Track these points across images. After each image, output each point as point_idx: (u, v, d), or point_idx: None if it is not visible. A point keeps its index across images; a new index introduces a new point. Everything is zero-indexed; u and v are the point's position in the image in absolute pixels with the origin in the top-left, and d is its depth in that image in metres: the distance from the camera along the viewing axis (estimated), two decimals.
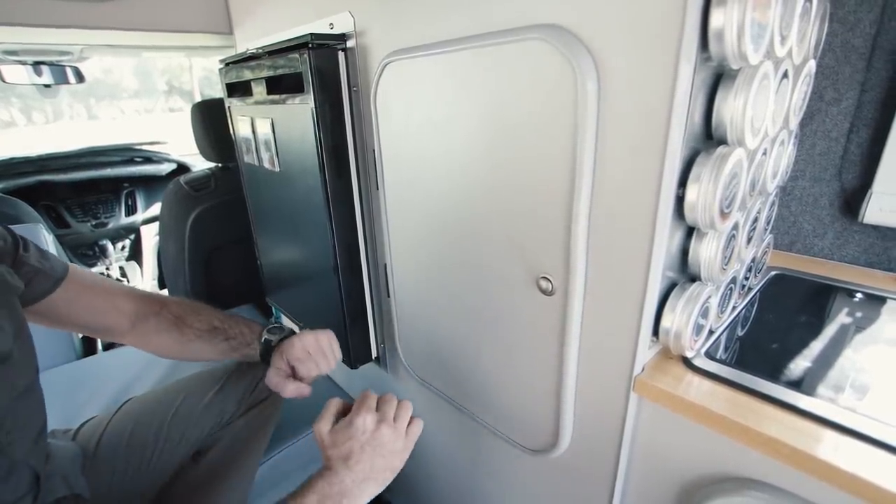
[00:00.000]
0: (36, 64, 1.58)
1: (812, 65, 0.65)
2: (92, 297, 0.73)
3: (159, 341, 0.78)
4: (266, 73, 0.90)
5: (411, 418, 0.64)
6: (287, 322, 1.51)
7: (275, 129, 0.96)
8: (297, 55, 0.78)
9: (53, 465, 0.69)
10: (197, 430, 0.84)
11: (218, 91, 1.20)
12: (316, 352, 0.77)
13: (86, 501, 0.70)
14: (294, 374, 0.77)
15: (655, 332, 0.56)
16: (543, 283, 0.58)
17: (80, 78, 1.73)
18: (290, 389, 0.75)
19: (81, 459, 0.76)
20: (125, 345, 0.79)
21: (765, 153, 0.59)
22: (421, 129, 0.68)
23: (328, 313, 1.00)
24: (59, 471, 0.69)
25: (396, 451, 0.60)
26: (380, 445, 0.59)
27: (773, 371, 0.56)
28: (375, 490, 0.59)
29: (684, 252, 0.55)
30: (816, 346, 0.62)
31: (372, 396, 0.63)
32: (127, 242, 2.57)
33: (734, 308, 0.70)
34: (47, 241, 1.49)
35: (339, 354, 0.80)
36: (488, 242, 0.65)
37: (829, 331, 0.66)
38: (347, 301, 0.94)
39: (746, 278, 0.72)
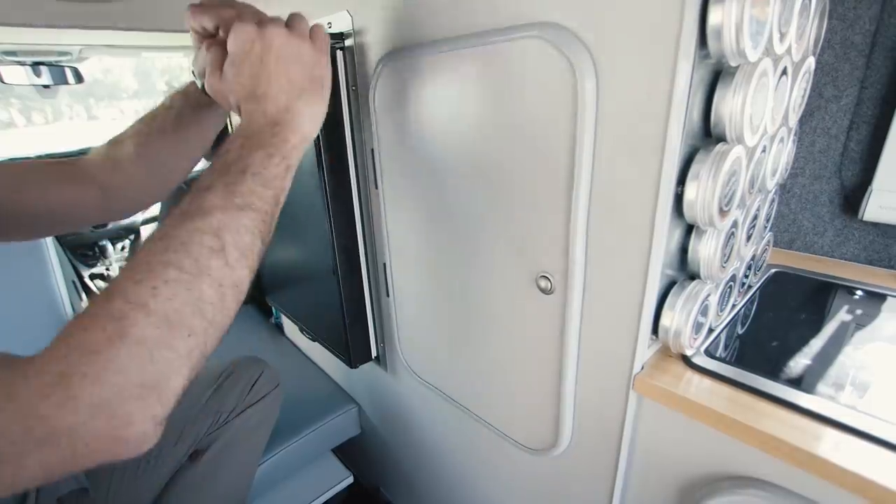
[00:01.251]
0: (35, 64, 1.58)
1: (811, 62, 0.65)
2: (34, 176, 0.56)
3: (125, 182, 0.60)
4: None
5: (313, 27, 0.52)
6: (287, 321, 1.51)
7: None
8: None
9: None
10: (195, 429, 0.84)
11: None
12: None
13: (90, 497, 0.70)
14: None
15: (655, 331, 0.55)
16: (542, 282, 0.58)
17: (79, 78, 1.73)
18: (213, 53, 0.49)
19: None
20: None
21: (764, 150, 0.58)
22: (420, 127, 0.68)
23: (327, 313, 1.00)
24: None
25: (308, 55, 0.48)
26: (281, 54, 0.45)
27: (773, 369, 0.56)
28: (317, 105, 0.48)
29: (683, 250, 0.55)
30: (816, 344, 0.62)
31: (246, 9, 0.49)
32: (127, 243, 2.57)
33: (734, 306, 0.70)
34: (46, 241, 1.49)
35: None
36: (487, 241, 0.65)
37: (829, 328, 0.66)
38: (347, 300, 0.94)
39: (746, 276, 0.72)
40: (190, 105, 0.60)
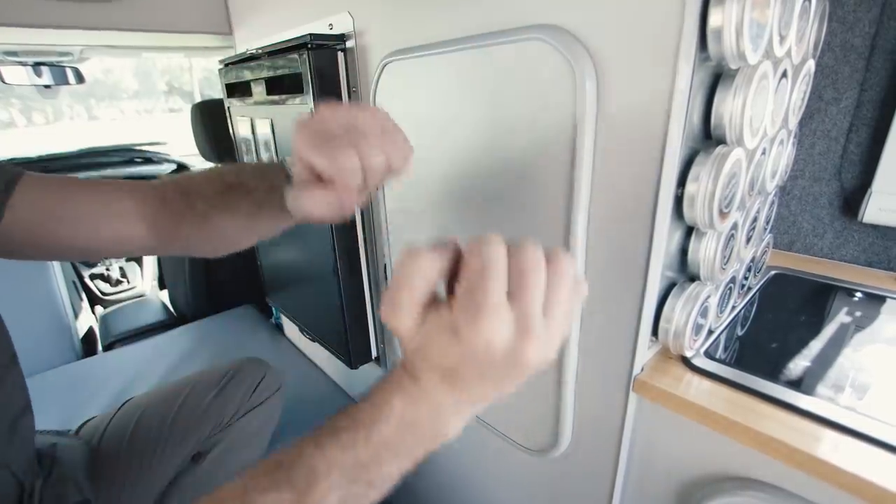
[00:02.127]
0: (36, 65, 1.58)
1: (811, 64, 0.65)
2: (73, 204, 0.53)
3: (178, 234, 0.58)
4: (265, 74, 0.91)
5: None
6: (287, 321, 1.51)
7: (274, 129, 0.96)
8: (296, 56, 0.78)
9: (63, 470, 0.67)
10: (198, 431, 0.84)
11: (218, 91, 1.20)
12: (353, 121, 0.41)
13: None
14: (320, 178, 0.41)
15: (655, 332, 0.56)
16: None
17: (79, 79, 1.73)
18: (318, 198, 0.40)
19: (88, 461, 0.75)
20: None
21: (764, 153, 0.59)
22: (420, 129, 0.68)
23: (328, 313, 1.00)
24: (69, 474, 0.68)
25: (534, 366, 0.31)
26: (514, 367, 0.31)
27: (773, 370, 0.56)
28: (468, 416, 0.35)
29: (683, 252, 0.55)
30: (816, 346, 0.62)
31: (497, 268, 0.32)
32: None
33: (734, 307, 0.70)
34: None
35: (392, 130, 0.43)
36: None
37: (829, 330, 0.66)
38: (347, 301, 0.94)
39: (746, 278, 0.72)
40: (274, 204, 0.54)
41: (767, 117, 0.52)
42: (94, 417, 0.86)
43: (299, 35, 0.77)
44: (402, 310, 0.31)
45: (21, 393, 0.59)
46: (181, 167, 2.61)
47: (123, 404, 0.88)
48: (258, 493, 0.31)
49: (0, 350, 0.56)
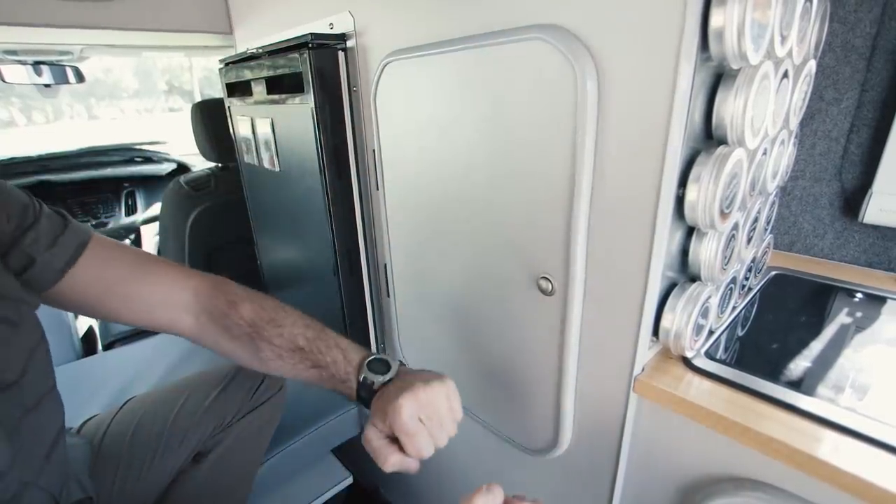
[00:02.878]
0: (36, 63, 1.58)
1: (812, 65, 0.65)
2: (134, 284, 0.59)
3: (231, 349, 0.64)
4: (266, 73, 0.90)
5: None
6: None
7: (275, 128, 0.96)
8: (296, 55, 0.78)
9: (69, 468, 0.68)
10: (198, 431, 0.84)
11: (218, 91, 1.20)
12: (432, 419, 0.53)
13: (93, 502, 0.70)
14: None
15: (655, 333, 0.56)
16: (543, 284, 0.58)
17: (80, 78, 1.73)
18: (393, 462, 0.53)
19: (90, 458, 0.75)
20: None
21: (765, 153, 0.59)
22: (421, 129, 0.68)
23: (328, 313, 1.00)
24: (72, 472, 0.68)
25: None
26: None
27: (774, 371, 0.56)
28: None
29: (684, 252, 0.55)
30: (816, 347, 0.62)
31: None
32: (127, 242, 2.57)
33: (734, 308, 0.70)
34: None
35: (459, 416, 0.56)
36: (488, 242, 0.65)
37: (829, 331, 0.66)
38: (347, 301, 0.94)
39: (746, 278, 0.72)
40: (331, 386, 0.61)
41: (769, 118, 0.52)
42: (95, 416, 0.86)
43: (300, 34, 0.77)
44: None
45: (58, 417, 0.60)
46: (181, 166, 2.61)
47: (125, 403, 0.87)
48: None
49: (43, 377, 0.57)
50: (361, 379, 0.58)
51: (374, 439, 0.54)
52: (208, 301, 0.63)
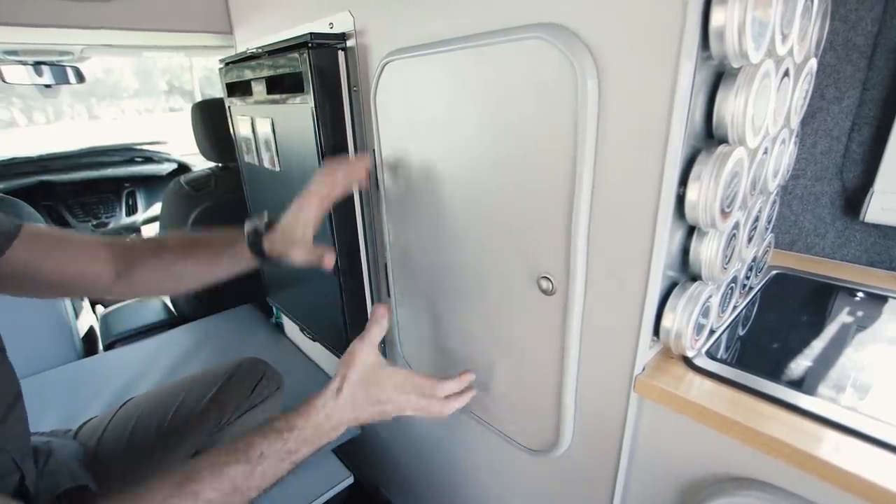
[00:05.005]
0: (37, 64, 1.58)
1: (813, 63, 0.65)
2: (62, 250, 0.65)
3: (143, 278, 0.71)
4: (266, 73, 0.90)
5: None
6: (287, 320, 1.51)
7: (275, 128, 0.96)
8: (296, 55, 0.78)
9: (56, 460, 0.69)
10: (197, 431, 0.84)
11: (218, 90, 1.20)
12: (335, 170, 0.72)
13: (93, 495, 0.70)
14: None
15: (656, 332, 0.55)
16: (544, 283, 0.58)
17: (80, 78, 1.73)
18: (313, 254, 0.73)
19: (84, 458, 0.76)
20: (112, 299, 0.76)
21: (766, 152, 0.58)
22: (421, 128, 0.68)
23: (328, 313, 1.00)
24: (63, 465, 0.69)
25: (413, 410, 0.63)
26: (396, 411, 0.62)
27: (775, 371, 0.56)
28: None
29: (685, 251, 0.55)
30: (817, 346, 0.62)
31: (435, 384, 0.65)
32: None
33: (735, 307, 0.70)
34: None
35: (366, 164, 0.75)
36: (488, 242, 0.64)
37: (831, 330, 0.65)
38: (347, 301, 0.94)
39: (747, 278, 0.72)
40: (231, 256, 0.74)
41: (769, 116, 0.52)
42: (93, 418, 0.86)
43: (300, 34, 0.77)
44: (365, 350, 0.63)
45: (12, 381, 0.63)
46: (182, 166, 2.61)
47: (122, 405, 0.88)
48: (222, 465, 0.51)
49: None
50: (247, 231, 0.72)
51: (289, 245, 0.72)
52: (120, 248, 0.71)
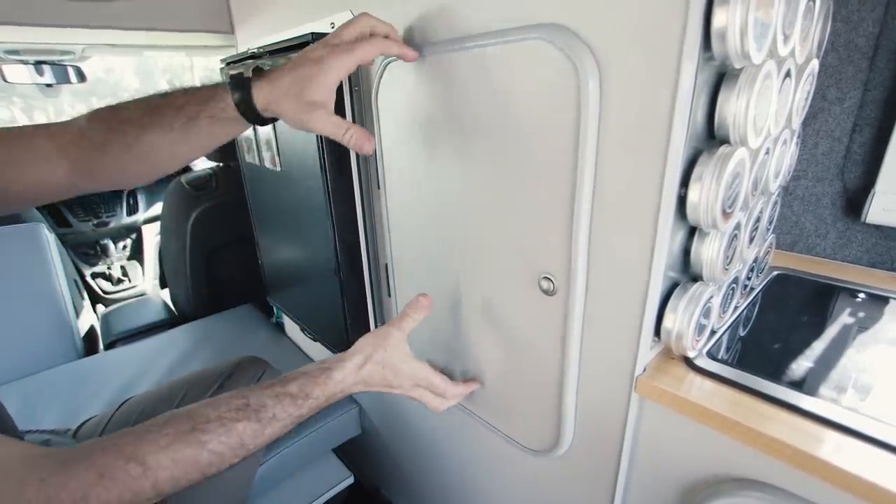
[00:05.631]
0: (37, 63, 1.58)
1: (815, 64, 0.65)
2: None
3: (103, 163, 0.56)
4: None
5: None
6: (288, 320, 1.51)
7: (276, 128, 0.96)
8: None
9: None
10: None
11: None
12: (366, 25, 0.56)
13: None
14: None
15: (657, 333, 0.55)
16: (545, 283, 0.58)
17: (81, 77, 1.73)
18: (352, 134, 0.56)
19: None
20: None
21: (767, 153, 0.58)
22: (422, 128, 0.68)
23: (329, 313, 1.00)
24: None
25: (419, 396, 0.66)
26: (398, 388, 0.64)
27: (776, 371, 0.56)
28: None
29: (686, 252, 0.55)
30: (819, 347, 0.62)
31: (445, 384, 0.68)
32: (128, 241, 2.57)
33: (736, 308, 0.70)
34: (49, 239, 1.49)
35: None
36: (489, 242, 0.64)
37: (832, 331, 0.65)
38: (348, 300, 0.94)
39: (748, 278, 0.72)
40: (209, 116, 0.55)
41: (771, 117, 0.52)
42: (92, 418, 0.86)
43: (301, 34, 0.77)
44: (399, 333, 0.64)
45: None
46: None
47: (122, 404, 0.88)
48: (232, 420, 0.50)
49: None
50: (230, 81, 0.54)
51: (316, 117, 0.54)
52: (65, 135, 0.56)
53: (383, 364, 0.61)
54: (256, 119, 0.55)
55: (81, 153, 0.56)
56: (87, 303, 1.91)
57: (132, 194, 2.51)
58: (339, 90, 0.80)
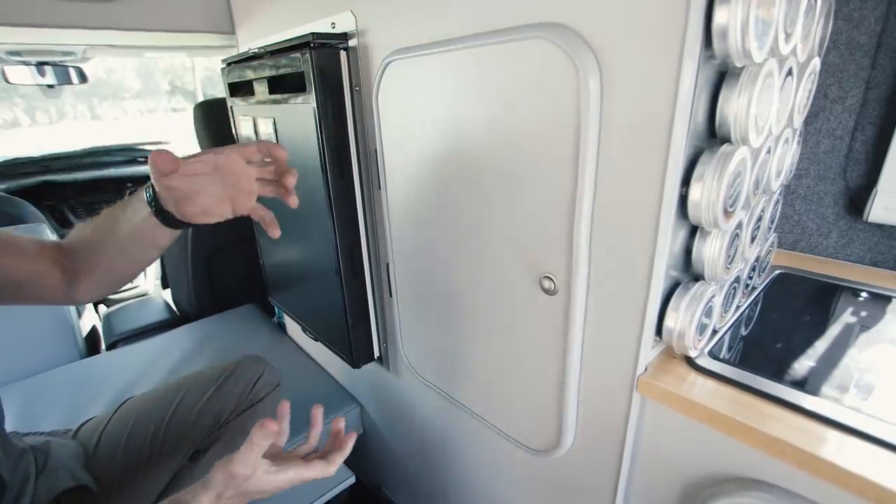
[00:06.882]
0: (39, 64, 1.59)
1: (816, 62, 0.65)
2: (8, 251, 0.59)
3: (91, 284, 0.65)
4: (268, 73, 0.90)
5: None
6: (289, 320, 1.51)
7: (277, 128, 0.96)
8: (298, 55, 0.78)
9: (56, 460, 0.69)
10: (196, 429, 0.84)
11: (220, 91, 1.20)
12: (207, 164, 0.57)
13: (93, 494, 0.71)
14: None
15: (659, 332, 0.55)
16: (546, 283, 0.58)
17: (83, 78, 1.74)
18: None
19: (83, 458, 0.76)
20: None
21: (769, 151, 0.58)
22: (423, 128, 0.68)
23: (330, 312, 1.00)
24: (62, 465, 0.69)
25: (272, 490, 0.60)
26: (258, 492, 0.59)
27: (778, 371, 0.56)
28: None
29: (688, 251, 0.55)
30: (821, 346, 0.61)
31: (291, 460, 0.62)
32: None
33: (738, 307, 0.70)
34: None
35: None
36: (491, 242, 0.64)
37: (834, 330, 0.65)
38: (349, 300, 0.94)
39: (750, 277, 0.72)
40: (146, 229, 0.60)
41: (773, 116, 0.52)
42: (92, 418, 0.86)
43: (302, 34, 0.77)
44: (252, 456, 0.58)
45: None
46: None
47: (121, 405, 0.88)
48: None
49: None
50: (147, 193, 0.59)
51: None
52: (55, 254, 0.63)
53: (242, 492, 0.58)
54: (181, 224, 0.60)
55: (68, 264, 0.63)
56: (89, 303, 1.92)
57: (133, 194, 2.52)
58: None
